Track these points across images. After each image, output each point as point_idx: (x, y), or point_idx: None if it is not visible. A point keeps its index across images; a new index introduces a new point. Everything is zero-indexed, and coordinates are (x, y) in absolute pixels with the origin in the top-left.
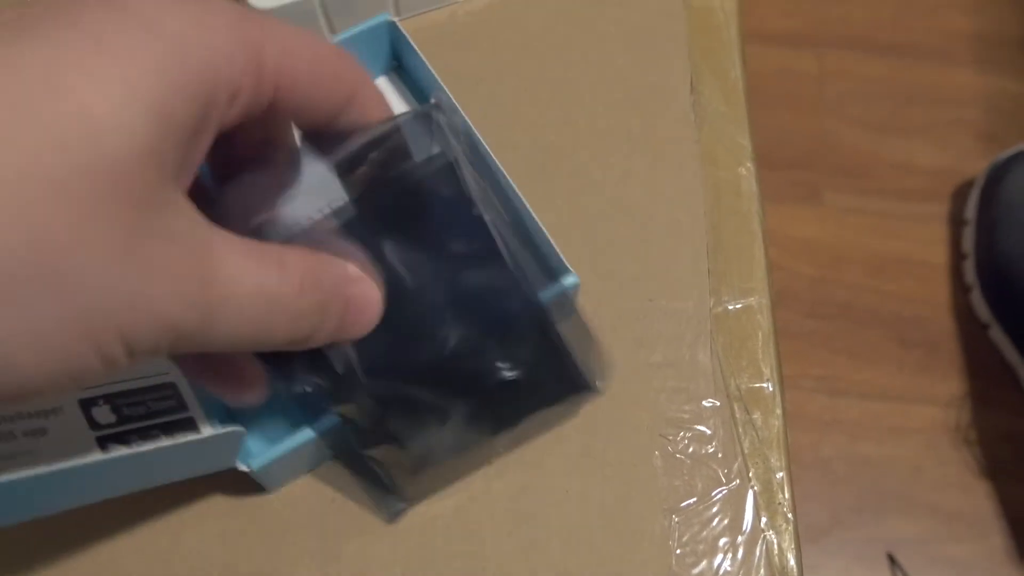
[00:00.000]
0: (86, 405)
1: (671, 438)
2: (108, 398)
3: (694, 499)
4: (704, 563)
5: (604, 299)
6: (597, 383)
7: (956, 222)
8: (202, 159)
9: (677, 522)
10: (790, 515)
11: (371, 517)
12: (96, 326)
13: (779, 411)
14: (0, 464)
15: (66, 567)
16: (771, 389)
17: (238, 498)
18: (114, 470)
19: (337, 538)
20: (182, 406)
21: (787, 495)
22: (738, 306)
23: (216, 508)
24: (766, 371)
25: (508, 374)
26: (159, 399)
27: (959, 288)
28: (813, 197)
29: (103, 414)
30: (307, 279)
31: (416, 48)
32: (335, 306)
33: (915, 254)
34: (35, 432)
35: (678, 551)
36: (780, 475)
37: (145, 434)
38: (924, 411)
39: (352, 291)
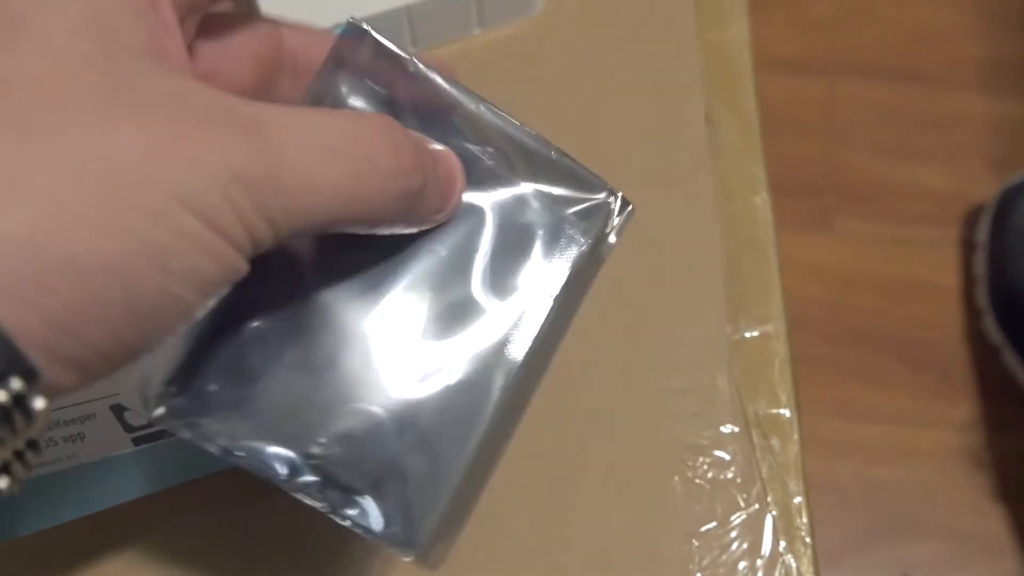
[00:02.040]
0: (118, 410)
1: (690, 464)
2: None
3: (714, 523)
4: None
5: (623, 327)
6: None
7: (967, 246)
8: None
9: (697, 546)
10: (808, 539)
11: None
12: (160, 210)
13: (796, 436)
14: (44, 469)
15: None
16: (788, 415)
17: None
18: (153, 460)
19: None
20: None
21: (805, 520)
22: (755, 334)
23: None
24: (783, 397)
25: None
26: None
27: (971, 312)
28: (824, 223)
29: (134, 416)
30: (388, 120)
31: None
32: (427, 151)
33: (926, 278)
34: (74, 437)
35: (698, 575)
36: (798, 500)
37: None
38: (937, 435)
39: (427, 142)
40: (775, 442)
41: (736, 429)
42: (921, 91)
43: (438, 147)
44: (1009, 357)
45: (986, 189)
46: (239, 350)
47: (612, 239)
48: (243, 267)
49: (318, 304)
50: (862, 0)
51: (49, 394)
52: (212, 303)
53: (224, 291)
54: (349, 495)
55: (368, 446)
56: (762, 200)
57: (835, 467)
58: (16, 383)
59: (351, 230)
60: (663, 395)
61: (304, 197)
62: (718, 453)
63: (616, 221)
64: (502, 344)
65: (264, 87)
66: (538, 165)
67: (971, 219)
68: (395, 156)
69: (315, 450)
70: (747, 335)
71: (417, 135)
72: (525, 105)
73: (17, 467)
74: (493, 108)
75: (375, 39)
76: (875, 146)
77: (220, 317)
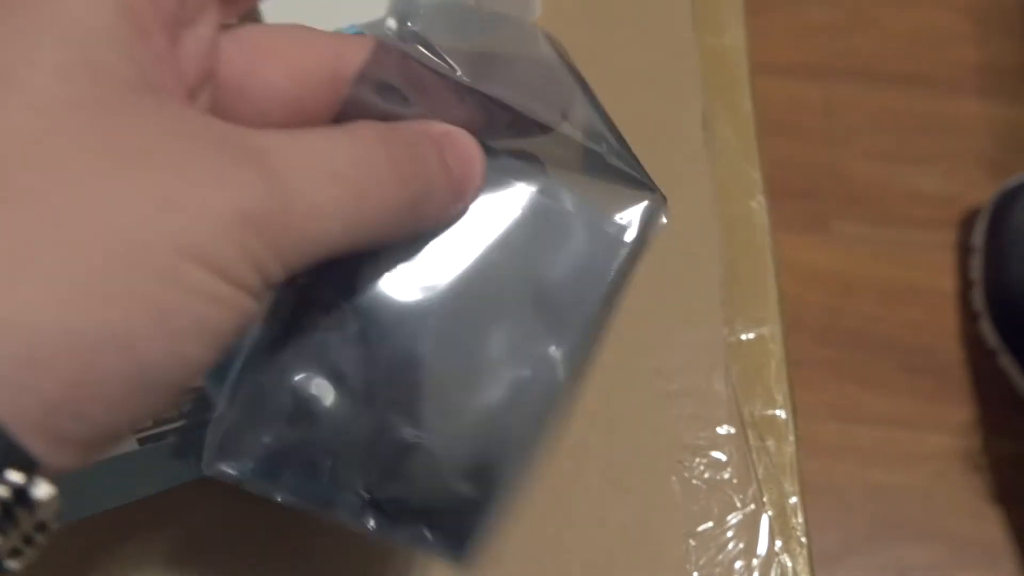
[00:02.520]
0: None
1: (688, 464)
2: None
3: (710, 523)
4: None
5: (622, 330)
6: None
7: (964, 250)
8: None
9: (694, 546)
10: (804, 539)
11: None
12: (167, 268)
13: (792, 438)
14: None
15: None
16: (784, 416)
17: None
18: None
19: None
20: (211, 406)
21: (800, 520)
22: (751, 336)
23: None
24: (779, 399)
25: None
26: (191, 400)
27: (967, 316)
28: (821, 226)
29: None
30: (381, 130)
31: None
32: (429, 149)
33: (923, 282)
34: None
35: (695, 574)
36: (794, 500)
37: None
38: (934, 438)
39: (440, 133)
40: (771, 443)
41: (732, 430)
42: (919, 95)
43: (446, 128)
44: (1006, 360)
45: (983, 193)
46: (283, 398)
47: (651, 237)
48: (254, 309)
49: (354, 337)
50: (860, 4)
51: (51, 478)
52: (221, 354)
53: (234, 340)
54: (401, 523)
55: (419, 478)
56: (758, 204)
57: (833, 470)
58: (15, 476)
59: (364, 248)
60: (661, 397)
61: (314, 228)
62: (715, 454)
63: (661, 222)
64: (549, 361)
65: (316, 102)
66: (577, 151)
67: (968, 223)
68: (394, 168)
69: (367, 489)
70: (744, 337)
71: (418, 124)
72: None
73: (27, 550)
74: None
75: (404, 52)
76: (873, 150)
77: (265, 358)
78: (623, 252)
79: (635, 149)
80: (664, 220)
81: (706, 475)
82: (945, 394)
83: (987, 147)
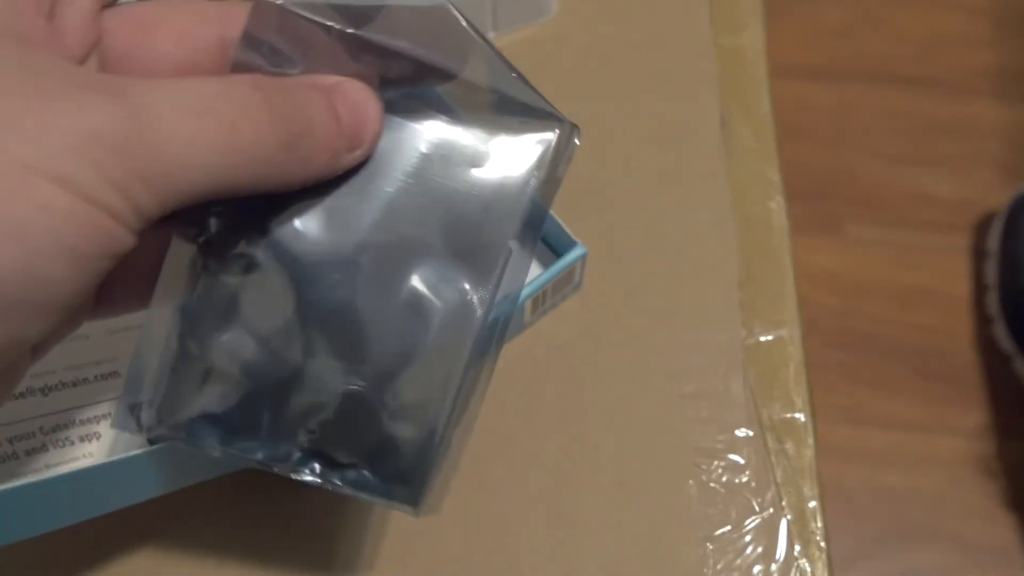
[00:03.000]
0: (134, 409)
1: (705, 467)
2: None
3: (728, 527)
4: None
5: (637, 332)
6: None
7: (978, 254)
8: None
9: (712, 550)
10: (823, 543)
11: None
12: (12, 182)
13: (811, 441)
14: (61, 469)
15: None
16: (803, 419)
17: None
18: (169, 460)
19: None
20: None
21: (819, 524)
22: (769, 338)
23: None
24: (798, 401)
25: None
26: None
27: (981, 320)
28: (834, 228)
29: (149, 415)
30: (258, 78)
31: None
32: (313, 96)
33: (937, 286)
34: (89, 437)
35: None
36: (813, 504)
37: None
38: (948, 442)
39: (328, 84)
40: (789, 446)
41: (751, 433)
42: (933, 98)
43: (338, 80)
44: (1020, 365)
45: (997, 197)
46: (212, 358)
47: (562, 171)
48: (124, 236)
49: (277, 290)
50: (874, 7)
51: None
52: (92, 281)
53: (108, 266)
54: (346, 470)
55: (357, 424)
56: (777, 204)
57: (845, 473)
58: None
59: (254, 189)
60: (678, 399)
61: (179, 154)
62: (733, 457)
63: (569, 152)
64: (466, 296)
65: (206, 66)
66: (484, 95)
67: (982, 227)
68: (267, 105)
69: (308, 438)
70: (762, 339)
71: (305, 77)
72: None
73: None
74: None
75: (282, 8)
76: (886, 153)
77: (191, 321)
78: (532, 183)
79: (652, 148)
80: (577, 142)
81: (724, 478)
82: (958, 398)
83: (1001, 150)
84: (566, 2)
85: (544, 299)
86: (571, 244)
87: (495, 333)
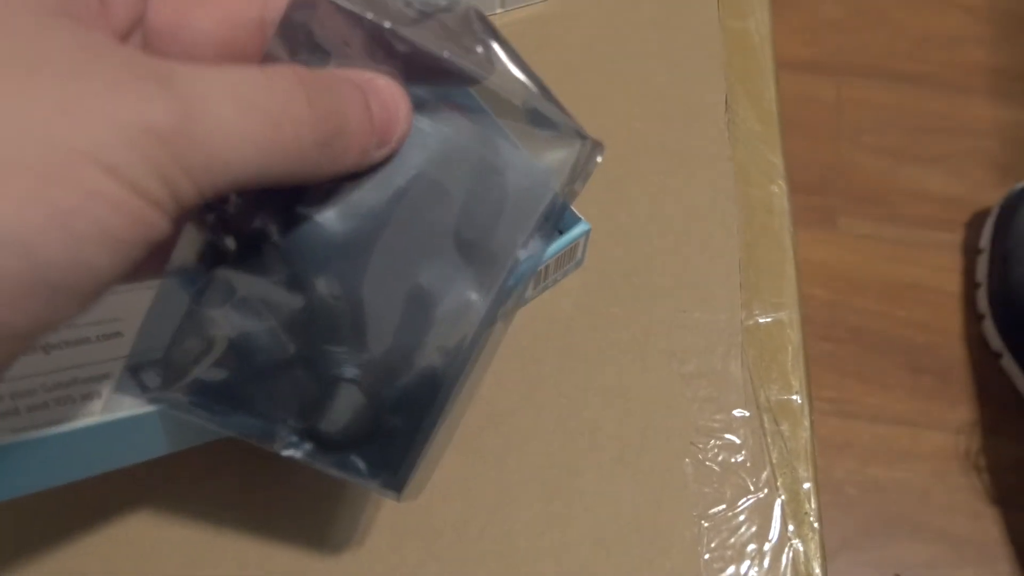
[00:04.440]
0: (135, 370)
1: (701, 447)
2: (154, 363)
3: (723, 506)
4: (732, 569)
5: (638, 310)
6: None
7: (970, 251)
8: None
9: (706, 528)
10: (816, 524)
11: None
12: (64, 169)
13: (807, 423)
14: (62, 427)
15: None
16: (800, 402)
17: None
18: (170, 422)
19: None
20: None
21: (814, 505)
22: (768, 320)
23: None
24: (795, 384)
25: None
26: None
27: (972, 316)
28: (828, 222)
29: (151, 378)
30: (300, 70)
31: None
32: (350, 93)
33: (928, 281)
34: (91, 395)
35: (706, 556)
36: (807, 486)
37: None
38: (934, 437)
39: (363, 80)
40: (785, 428)
41: (747, 414)
42: (929, 96)
43: (372, 76)
44: (1008, 362)
45: (991, 195)
46: (217, 337)
47: (579, 186)
48: (163, 225)
49: (287, 277)
50: (872, 3)
51: None
52: (128, 268)
53: (145, 253)
54: (335, 454)
55: (351, 411)
56: (779, 188)
57: (832, 465)
58: None
59: (283, 183)
60: (676, 378)
61: (223, 148)
62: (729, 437)
63: (589, 168)
64: (469, 299)
65: (245, 46)
66: (509, 104)
67: (974, 224)
68: (308, 102)
69: (301, 419)
70: (761, 321)
71: (340, 71)
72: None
73: None
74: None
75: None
76: (882, 148)
77: (200, 294)
78: (548, 198)
79: (656, 129)
80: (599, 160)
81: (720, 458)
82: (947, 394)
83: (996, 149)
84: None
85: (546, 275)
86: (575, 220)
87: (496, 335)
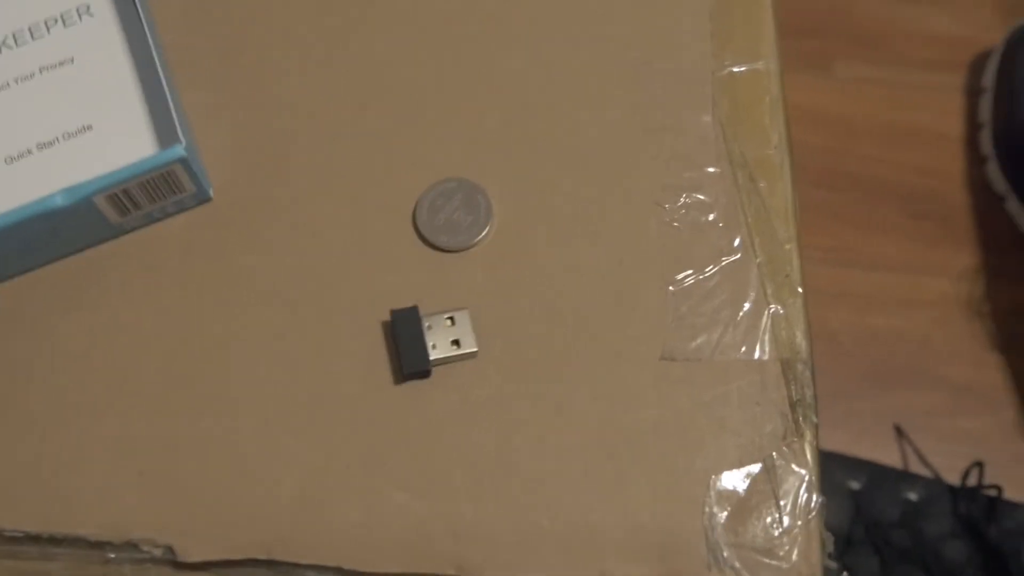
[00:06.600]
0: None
1: (668, 207)
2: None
3: (691, 271)
4: (703, 337)
5: (599, 60)
6: None
7: (973, 92)
8: None
9: (673, 293)
10: (799, 289)
11: None
12: None
13: (788, 178)
14: None
15: None
16: (778, 157)
17: None
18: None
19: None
20: None
21: (795, 266)
22: (743, 69)
23: None
24: (774, 137)
25: None
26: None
27: (974, 159)
28: (824, 66)
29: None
30: None
31: None
32: None
33: (929, 125)
34: None
35: (675, 323)
36: (788, 246)
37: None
38: (935, 283)
39: None
40: (763, 185)
41: (719, 170)
42: None
43: None
44: (1013, 204)
45: (995, 35)
46: None
47: None
48: None
49: None
50: None
51: None
52: None
53: None
54: None
55: None
56: None
57: (828, 315)
58: None
59: None
60: (639, 133)
61: None
62: (699, 195)
63: None
64: None
65: None
66: None
67: (978, 65)
68: None
69: None
70: (735, 70)
71: None
72: None
73: None
74: None
75: None
76: None
77: None
78: None
79: None
80: None
81: (688, 218)
82: (948, 239)
83: None
84: None
85: (131, 200)
86: (172, 141)
87: None
